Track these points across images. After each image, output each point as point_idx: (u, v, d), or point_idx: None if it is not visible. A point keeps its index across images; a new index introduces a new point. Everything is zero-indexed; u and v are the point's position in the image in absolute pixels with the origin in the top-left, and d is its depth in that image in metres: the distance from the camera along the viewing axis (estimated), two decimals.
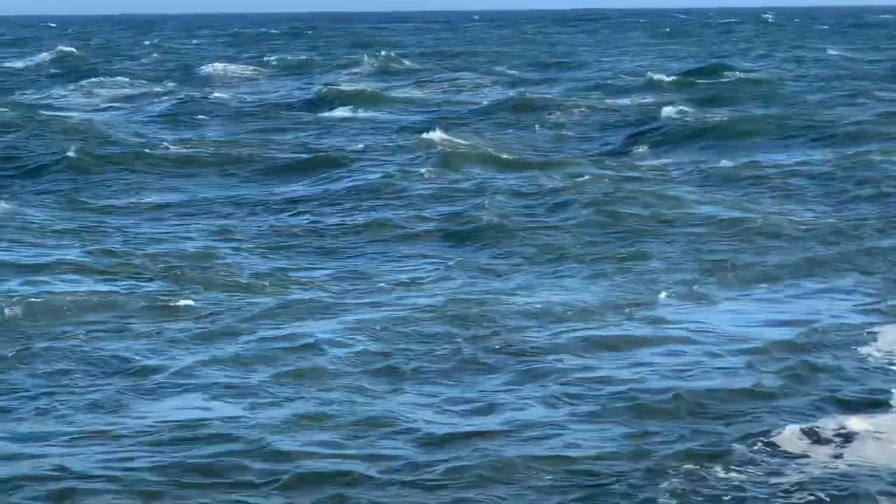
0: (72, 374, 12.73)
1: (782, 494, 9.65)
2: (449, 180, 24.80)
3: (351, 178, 25.33)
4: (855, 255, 18.04)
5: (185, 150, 29.69)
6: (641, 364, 13.05)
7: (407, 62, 64.02)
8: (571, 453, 10.54)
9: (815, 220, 20.93)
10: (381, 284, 16.82)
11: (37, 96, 48.76)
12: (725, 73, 51.11)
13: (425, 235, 19.97)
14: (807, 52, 68.24)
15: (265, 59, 68.13)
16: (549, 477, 10.03)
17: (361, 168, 26.70)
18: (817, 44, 78.90)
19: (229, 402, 11.93)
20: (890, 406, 11.46)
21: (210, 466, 10.30)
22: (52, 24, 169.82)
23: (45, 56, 72.44)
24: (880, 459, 10.28)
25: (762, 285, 16.47)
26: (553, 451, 10.58)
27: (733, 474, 10.00)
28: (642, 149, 30.52)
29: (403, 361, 13.07)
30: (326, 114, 39.62)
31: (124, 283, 16.78)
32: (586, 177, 25.16)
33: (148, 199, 23.77)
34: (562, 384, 12.38)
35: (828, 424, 10.86)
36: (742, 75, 49.66)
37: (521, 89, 44.92)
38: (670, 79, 48.58)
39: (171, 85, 51.74)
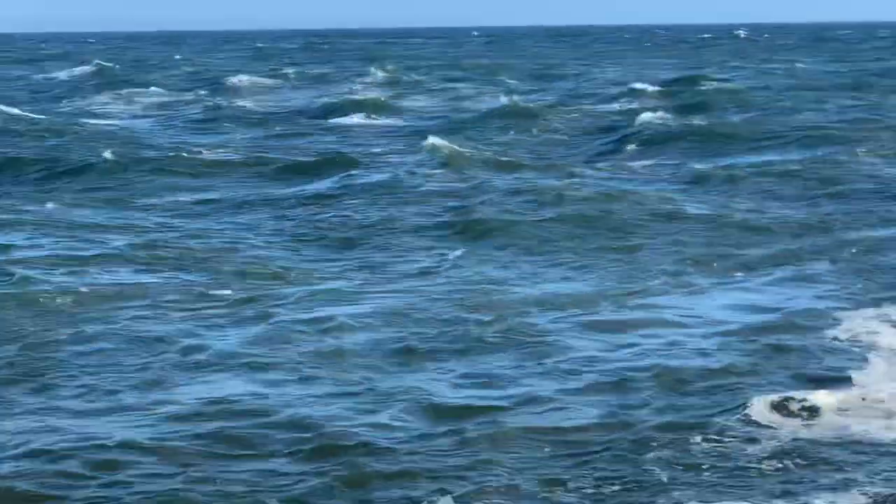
0: (116, 355, 12.72)
1: (755, 462, 9.65)
2: (453, 180, 24.71)
3: (365, 178, 25.21)
4: (824, 248, 17.97)
5: (215, 154, 29.61)
6: (629, 345, 13.04)
7: (413, 74, 63.88)
8: (565, 424, 10.56)
9: (787, 216, 20.82)
10: (395, 274, 16.80)
11: (78, 105, 48.57)
12: (703, 82, 50.96)
13: (433, 230, 19.88)
14: (776, 65, 68.08)
15: (285, 71, 67.95)
16: (545, 448, 10.04)
17: (374, 169, 26.60)
18: (786, 57, 78.72)
19: (259, 380, 11.92)
20: (851, 382, 11.47)
21: (241, 437, 10.30)
22: (92, 40, 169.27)
23: (85, 69, 72.14)
24: (843, 430, 10.30)
25: (739, 275, 16.41)
26: (549, 423, 10.59)
27: (711, 444, 10.01)
28: (628, 151, 30.41)
29: (416, 343, 13.05)
30: (341, 120, 39.51)
31: (164, 273, 16.76)
32: (578, 177, 25.16)
33: (183, 198, 23.69)
34: (558, 363, 12.38)
35: (796, 399, 10.85)
36: (718, 85, 49.48)
37: (518, 98, 44.77)
38: (653, 88, 48.42)
39: (201, 94, 51.58)
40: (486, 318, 13.85)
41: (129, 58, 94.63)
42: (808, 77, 56.04)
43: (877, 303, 14.56)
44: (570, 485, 9.29)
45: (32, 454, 9.89)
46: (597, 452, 9.90)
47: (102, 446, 9.99)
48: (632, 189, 23.63)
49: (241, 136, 35.43)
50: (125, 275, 16.66)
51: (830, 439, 10.09)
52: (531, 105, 40.95)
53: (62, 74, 68.39)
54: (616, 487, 9.24)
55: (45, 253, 18.01)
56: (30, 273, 16.32)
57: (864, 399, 10.99)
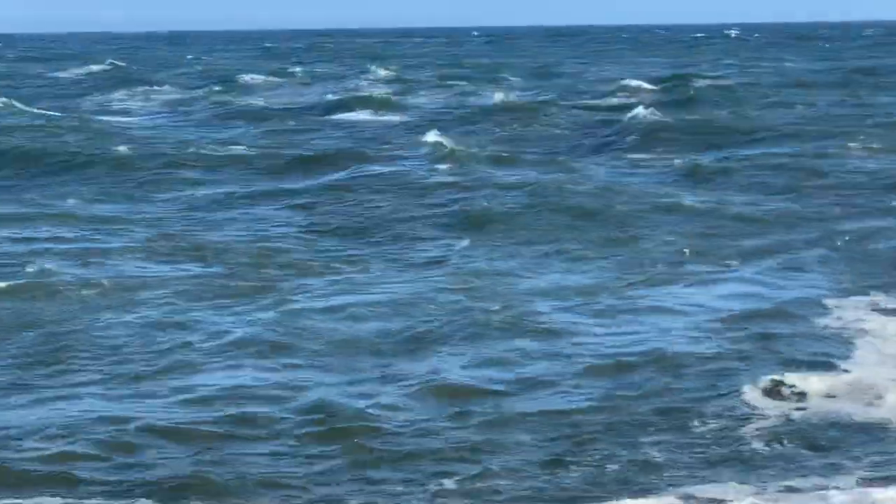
0: (135, 342, 12.76)
1: (748, 444, 9.71)
2: (457, 174, 24.66)
3: (373, 171, 25.17)
4: (816, 238, 18.00)
5: (229, 149, 29.64)
6: (628, 332, 13.09)
7: (415, 72, 63.84)
8: (566, 407, 10.62)
9: (779, 207, 20.86)
10: (404, 264, 16.86)
11: (94, 102, 48.49)
12: (696, 80, 50.90)
13: (439, 222, 19.85)
14: (767, 63, 68.01)
15: (293, 69, 67.93)
16: (547, 430, 10.09)
17: (382, 163, 26.53)
18: (776, 55, 78.62)
19: (273, 366, 11.98)
20: (841, 368, 11.52)
21: (257, 419, 10.37)
22: (107, 39, 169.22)
23: (99, 67, 72.16)
24: (832, 414, 10.35)
25: (734, 264, 16.43)
26: (550, 406, 10.65)
27: (706, 426, 10.07)
28: (625, 146, 30.31)
29: (424, 330, 13.11)
30: (348, 116, 39.47)
31: (182, 264, 16.78)
32: (577, 171, 25.18)
33: (199, 191, 23.65)
34: (559, 348, 12.44)
35: (787, 383, 10.91)
36: (711, 82, 49.46)
37: (517, 95, 44.79)
38: (648, 85, 48.41)
39: (213, 91, 51.53)
40: (493, 307, 13.86)
41: (141, 57, 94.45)
42: (797, 75, 55.99)
43: (865, 291, 14.61)
44: (571, 466, 9.35)
45: (53, 436, 9.95)
46: (596, 434, 9.96)
47: (122, 430, 10.04)
48: (629, 182, 23.68)
49: (254, 131, 35.39)
50: (144, 266, 16.69)
51: (820, 422, 10.15)
52: (530, 101, 40.93)
53: (77, 73, 68.22)
54: (615, 467, 9.31)
55: (67, 246, 18.03)
56: (52, 265, 16.36)
57: (852, 384, 11.04)
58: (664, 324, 13.36)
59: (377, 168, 25.76)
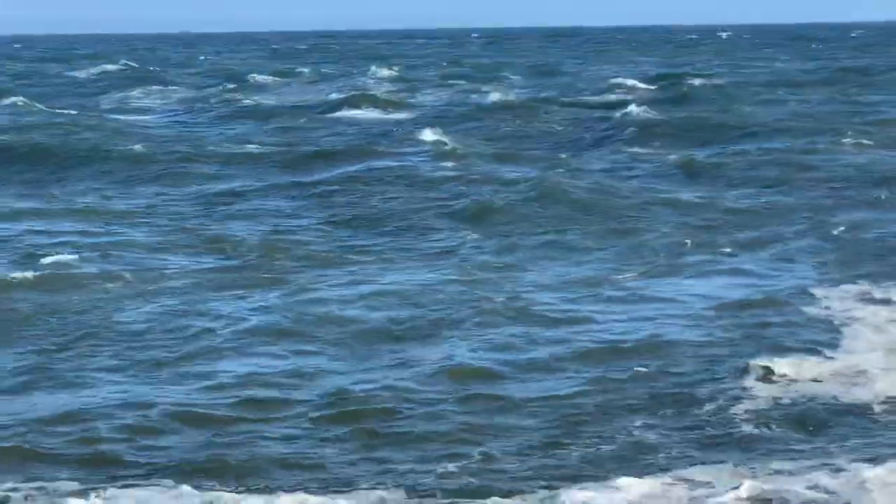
0: (157, 329, 12.84)
1: (739, 425, 9.80)
2: (460, 169, 24.59)
3: (382, 167, 25.12)
4: (807, 230, 18.05)
5: (242, 146, 29.68)
6: (626, 319, 13.16)
7: (418, 71, 63.77)
8: (566, 391, 10.71)
9: (772, 200, 20.88)
10: (414, 254, 16.93)
11: (111, 100, 48.31)
12: (689, 78, 50.87)
13: (445, 216, 19.88)
14: (758, 63, 67.91)
15: (300, 69, 67.90)
16: (547, 412, 10.18)
17: (388, 158, 26.52)
18: (766, 55, 78.52)
19: (288, 351, 12.06)
20: (827, 355, 11.59)
21: (272, 402, 10.47)
22: (120, 40, 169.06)
23: (114, 67, 72.06)
24: (819, 397, 10.43)
25: (729, 254, 16.50)
26: (551, 390, 10.75)
27: (699, 409, 10.16)
28: (621, 142, 30.19)
29: (435, 316, 13.20)
30: (355, 114, 39.44)
31: (201, 256, 16.84)
32: (576, 166, 25.19)
33: (215, 186, 23.65)
34: (561, 334, 12.53)
35: (777, 369, 11.00)
36: (704, 80, 49.43)
37: (517, 93, 44.76)
38: (643, 84, 48.39)
39: (225, 89, 51.47)
40: (499, 299, 13.88)
41: (154, 57, 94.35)
42: (789, 74, 55.95)
43: (854, 280, 14.66)
44: (570, 446, 9.44)
45: (77, 420, 10.03)
46: (594, 417, 10.05)
47: (144, 415, 10.13)
48: (626, 177, 23.71)
49: (266, 128, 35.39)
50: (164, 258, 16.74)
51: (810, 406, 10.23)
52: (530, 100, 40.92)
53: (92, 72, 68.17)
54: (612, 447, 9.40)
55: (88, 239, 18.07)
56: (73, 257, 16.42)
57: (841, 369, 11.11)
58: (661, 312, 13.42)
59: (387, 163, 25.73)
